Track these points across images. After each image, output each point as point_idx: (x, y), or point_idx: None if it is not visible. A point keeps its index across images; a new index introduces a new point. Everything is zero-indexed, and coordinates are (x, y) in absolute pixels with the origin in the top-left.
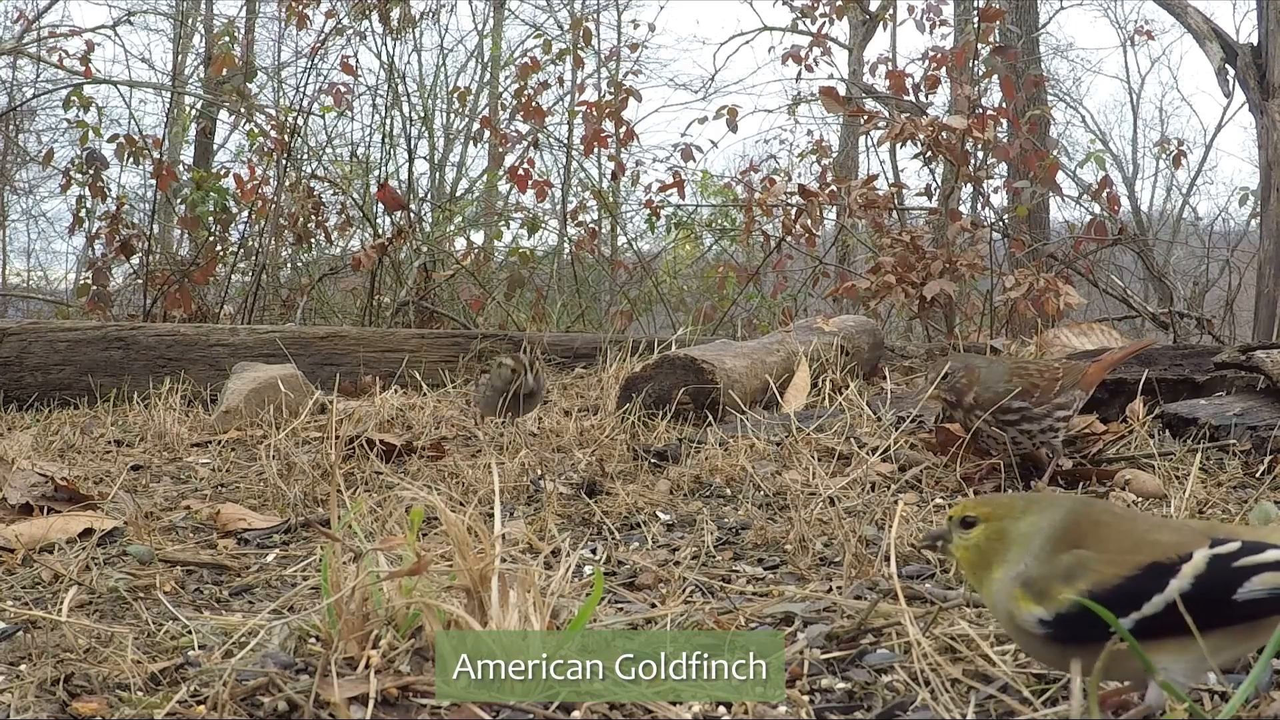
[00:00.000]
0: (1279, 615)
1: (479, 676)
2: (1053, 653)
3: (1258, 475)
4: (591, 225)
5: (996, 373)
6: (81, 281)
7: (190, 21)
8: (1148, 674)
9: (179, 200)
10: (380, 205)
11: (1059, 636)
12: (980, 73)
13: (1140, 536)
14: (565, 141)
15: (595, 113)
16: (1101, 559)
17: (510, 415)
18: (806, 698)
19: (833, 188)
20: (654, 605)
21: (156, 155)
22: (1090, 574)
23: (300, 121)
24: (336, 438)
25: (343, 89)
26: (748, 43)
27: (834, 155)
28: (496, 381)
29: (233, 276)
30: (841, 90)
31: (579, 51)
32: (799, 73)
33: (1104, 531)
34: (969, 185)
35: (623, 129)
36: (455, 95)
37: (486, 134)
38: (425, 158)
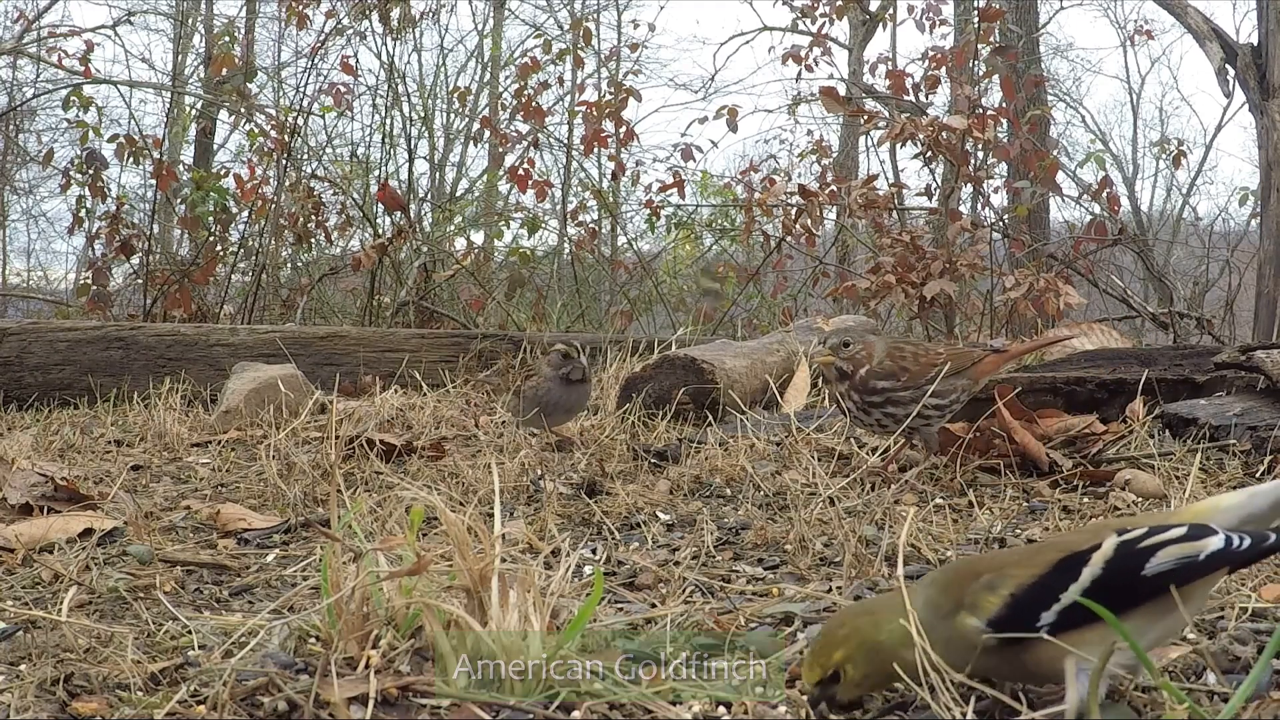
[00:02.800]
0: (1191, 588)
1: (479, 676)
2: (996, 661)
3: (1258, 475)
4: (591, 225)
5: (880, 351)
6: (81, 281)
7: (190, 21)
8: (1145, 667)
9: (179, 200)
10: (380, 205)
11: (999, 639)
12: (980, 73)
13: (1048, 543)
14: (565, 141)
15: (595, 113)
16: (1016, 565)
17: (552, 423)
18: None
19: (833, 188)
20: (654, 605)
21: (156, 155)
22: (1010, 580)
23: (300, 121)
24: (336, 438)
25: (343, 89)
26: (748, 43)
27: (834, 155)
28: (547, 369)
29: (233, 276)
30: (841, 90)
31: (579, 51)
32: (799, 73)
33: (1002, 555)
34: (969, 185)
35: (623, 129)
36: (455, 95)
37: (486, 134)
38: (425, 158)
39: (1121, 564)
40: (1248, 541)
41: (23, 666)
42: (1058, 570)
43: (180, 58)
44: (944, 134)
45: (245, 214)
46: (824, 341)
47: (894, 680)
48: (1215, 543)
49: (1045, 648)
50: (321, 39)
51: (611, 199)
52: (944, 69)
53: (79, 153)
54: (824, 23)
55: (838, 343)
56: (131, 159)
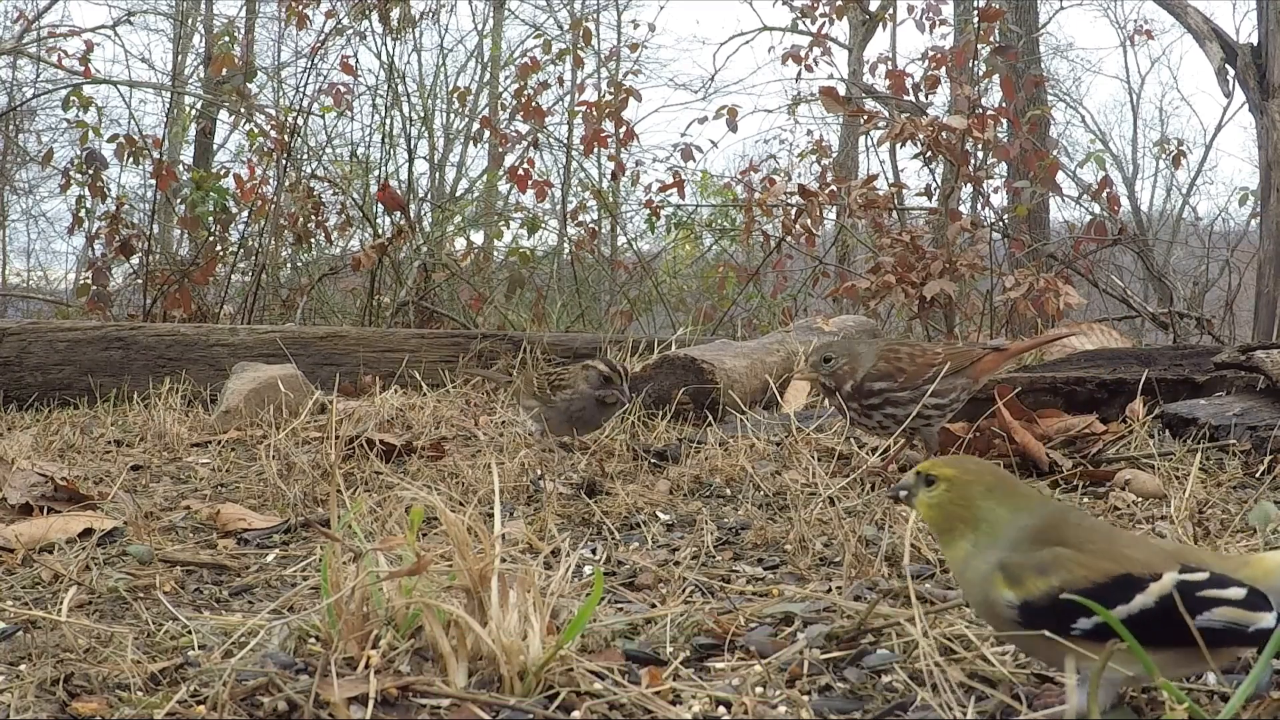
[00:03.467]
0: (1227, 648)
1: (479, 676)
2: (1008, 628)
3: (1258, 475)
4: (591, 225)
5: (869, 356)
6: (81, 281)
7: (190, 21)
8: (1149, 673)
9: (179, 200)
10: (380, 205)
11: (1024, 623)
12: (980, 73)
13: (1117, 550)
14: (565, 141)
15: (595, 113)
16: (1077, 560)
17: (582, 433)
18: (806, 698)
19: (833, 188)
20: (654, 605)
21: (156, 155)
22: (1063, 571)
23: (300, 121)
24: (336, 438)
25: (343, 89)
26: (748, 43)
27: (834, 155)
28: (583, 386)
29: (233, 276)
30: (841, 90)
31: (579, 51)
32: (799, 73)
33: (1085, 535)
34: (969, 185)
35: (623, 129)
36: (455, 95)
37: (486, 134)
38: (425, 158)
39: (1173, 605)
40: None
41: (23, 666)
42: (1114, 584)
43: (180, 58)
44: (944, 134)
45: (245, 214)
46: (806, 359)
47: (950, 540)
48: (1267, 620)
49: (1063, 649)
50: (321, 39)
51: (611, 199)
52: (944, 69)
53: (79, 153)
54: (824, 23)
55: (818, 359)
56: (131, 159)
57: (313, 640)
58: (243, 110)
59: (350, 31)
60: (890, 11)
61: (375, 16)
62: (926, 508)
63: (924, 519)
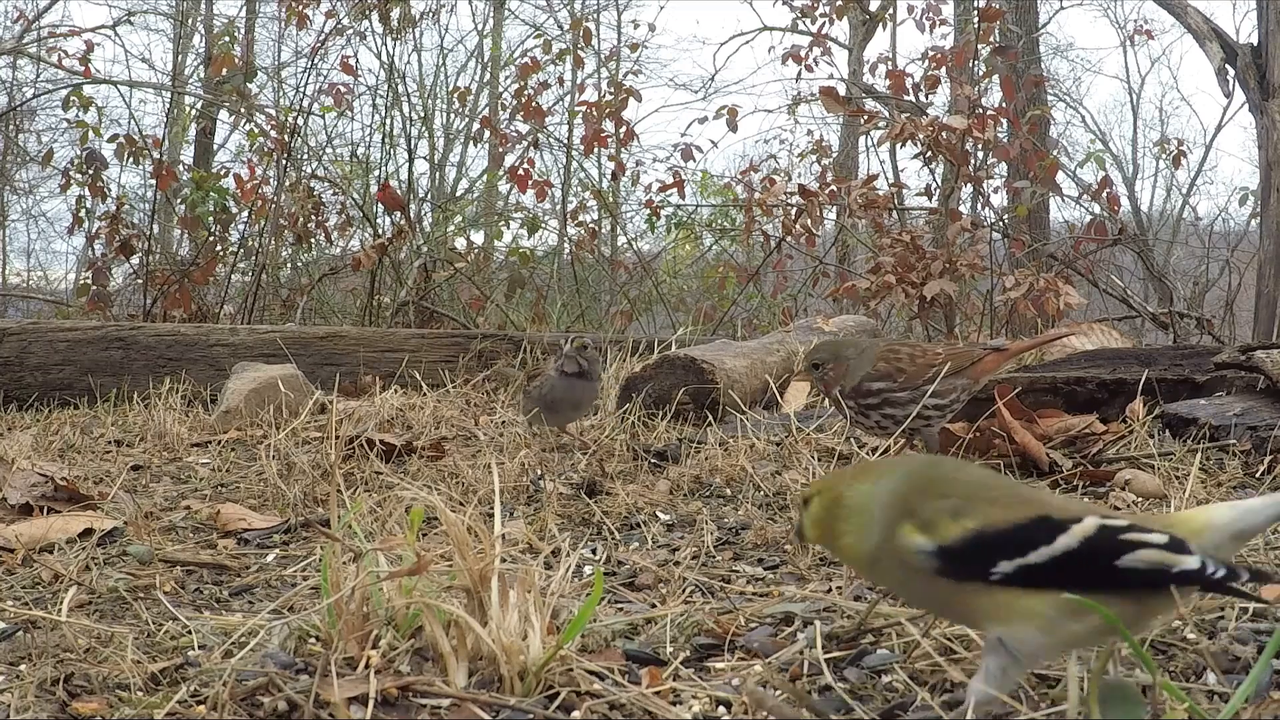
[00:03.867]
0: (1149, 590)
1: (479, 676)
2: (923, 587)
3: (1258, 475)
4: (591, 225)
5: (866, 359)
6: (81, 281)
7: (190, 21)
8: (1145, 667)
9: (179, 200)
10: (380, 205)
11: (943, 569)
12: (980, 73)
13: (1029, 493)
14: (565, 141)
15: (595, 113)
16: (991, 503)
17: (561, 421)
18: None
19: (833, 188)
20: (654, 605)
21: (156, 155)
22: (979, 514)
23: (300, 121)
24: (336, 438)
25: (343, 89)
26: (748, 43)
27: (834, 155)
28: (551, 370)
29: (233, 276)
30: (841, 90)
31: (579, 51)
32: (799, 73)
33: (981, 480)
34: (969, 185)
35: (623, 129)
36: (455, 95)
37: (486, 134)
38: (425, 158)
39: (1098, 547)
40: (1221, 572)
41: (23, 666)
42: (1034, 525)
43: (180, 58)
44: (944, 134)
45: (245, 214)
46: (798, 364)
47: (837, 541)
48: (1190, 563)
49: (983, 597)
50: (321, 39)
51: (611, 199)
52: (944, 69)
53: (79, 153)
54: (824, 23)
55: (808, 365)
56: (131, 159)
57: (313, 640)
58: (243, 110)
59: (350, 31)
60: (890, 11)
61: (375, 16)
62: (811, 528)
63: (814, 541)
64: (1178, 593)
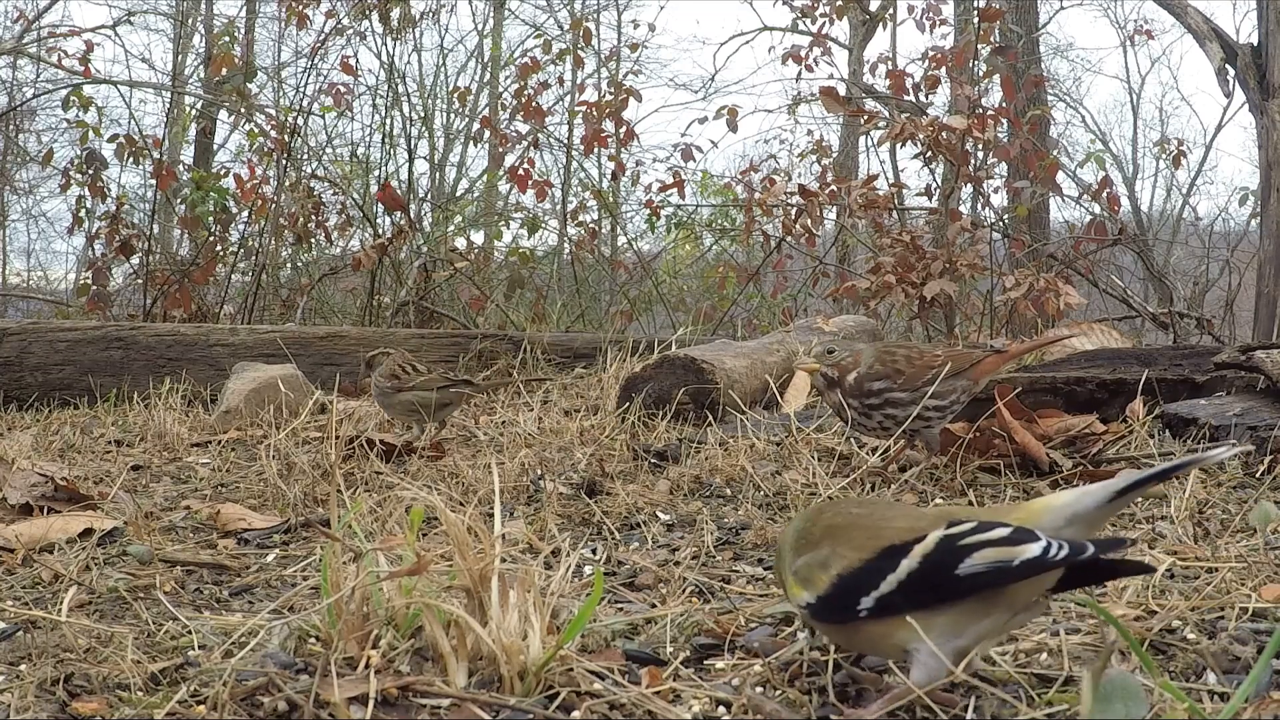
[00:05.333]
0: (1002, 588)
1: (479, 676)
2: (824, 628)
3: (1258, 475)
4: (591, 225)
5: (869, 357)
6: (81, 281)
7: (190, 21)
8: (1145, 667)
9: (179, 200)
10: (380, 205)
11: (827, 617)
12: (980, 73)
13: (879, 525)
14: (565, 141)
15: (595, 113)
16: (849, 547)
17: (409, 421)
18: (806, 698)
19: (833, 188)
20: (654, 605)
21: (156, 155)
22: (840, 560)
23: (300, 121)
24: (336, 438)
25: (343, 89)
26: (748, 43)
27: (834, 155)
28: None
29: (233, 276)
30: (841, 90)
31: (579, 51)
32: (799, 73)
33: (850, 519)
34: (969, 185)
35: (623, 129)
36: (455, 95)
37: (486, 134)
38: (425, 158)
39: (938, 561)
40: (1065, 551)
41: (23, 666)
42: (881, 558)
43: (180, 58)
44: (944, 134)
45: (245, 214)
46: (809, 351)
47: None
48: (1033, 550)
49: (869, 628)
50: (321, 39)
51: (611, 199)
52: (944, 69)
53: (79, 153)
54: (824, 23)
55: (822, 350)
56: (131, 159)
57: (313, 640)
58: (243, 110)
59: (350, 31)
60: (890, 11)
61: (375, 16)
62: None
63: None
64: (1032, 581)
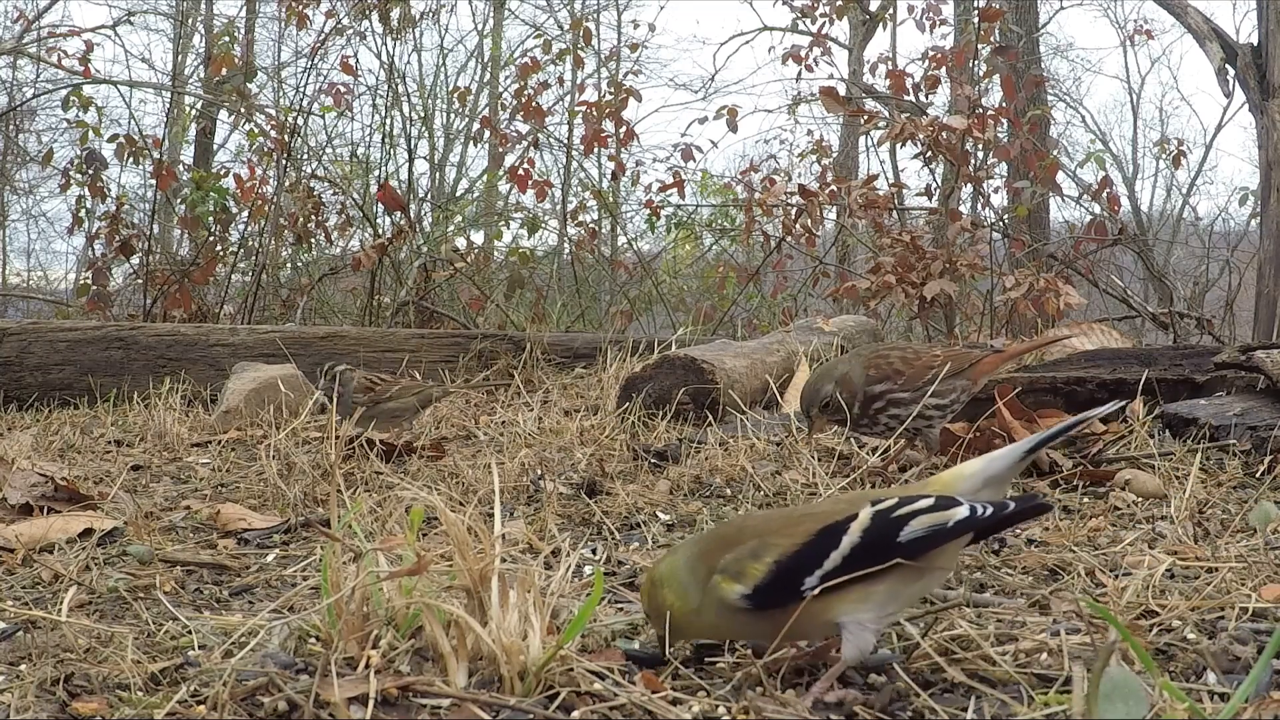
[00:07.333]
0: (939, 548)
1: (479, 676)
2: (755, 623)
3: (1258, 475)
4: (591, 225)
5: (856, 365)
6: (81, 281)
7: (190, 21)
8: (1145, 666)
9: (179, 200)
10: (380, 205)
11: (759, 604)
12: (980, 73)
13: (805, 513)
14: (565, 141)
15: (595, 113)
16: (779, 536)
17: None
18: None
19: (833, 188)
20: None
21: (156, 155)
22: (773, 548)
23: (300, 121)
24: (336, 438)
25: (343, 89)
26: (748, 43)
27: (834, 155)
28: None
29: (233, 276)
30: (841, 90)
31: (579, 51)
32: (799, 73)
33: (763, 521)
34: (969, 185)
35: (623, 129)
36: (455, 95)
37: (486, 134)
38: (425, 158)
39: (878, 532)
40: (990, 510)
41: (23, 666)
42: (820, 538)
43: (180, 58)
44: (944, 134)
45: (245, 214)
46: (807, 413)
47: (666, 608)
48: (961, 512)
49: (806, 610)
50: (321, 39)
51: (611, 199)
52: (944, 69)
53: (79, 153)
54: (824, 23)
55: (818, 410)
56: (131, 159)
57: (313, 640)
58: (243, 110)
59: (350, 31)
60: (890, 11)
61: (375, 16)
62: (646, 605)
63: (651, 613)
64: (959, 540)
